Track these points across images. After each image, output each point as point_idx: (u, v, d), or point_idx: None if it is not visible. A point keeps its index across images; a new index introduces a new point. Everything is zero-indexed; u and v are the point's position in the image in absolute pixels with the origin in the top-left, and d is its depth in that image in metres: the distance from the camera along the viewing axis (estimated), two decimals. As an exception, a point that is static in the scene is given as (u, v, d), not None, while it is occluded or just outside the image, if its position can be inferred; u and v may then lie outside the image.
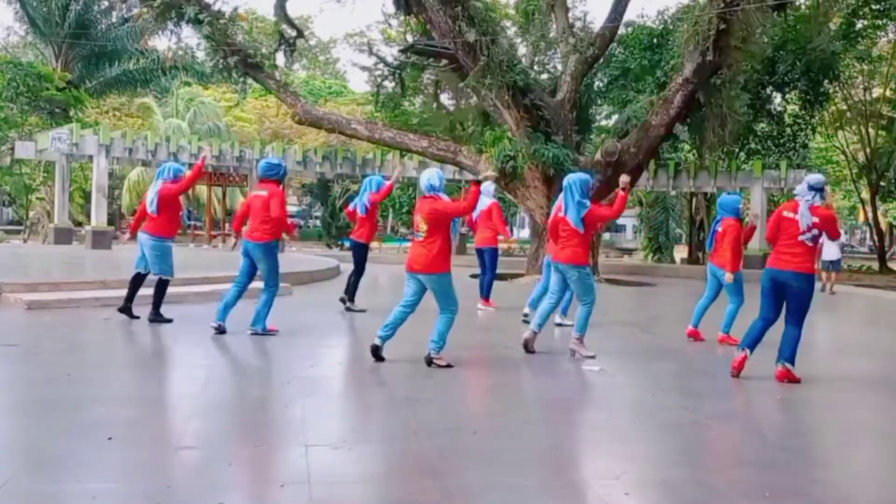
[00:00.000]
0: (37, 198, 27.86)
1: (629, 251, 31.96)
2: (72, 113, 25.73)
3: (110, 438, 3.84)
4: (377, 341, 6.04)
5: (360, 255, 9.30)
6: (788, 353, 5.76)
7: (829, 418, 5.18)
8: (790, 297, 5.80)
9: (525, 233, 39.29)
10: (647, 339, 8.24)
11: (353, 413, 4.91)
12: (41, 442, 3.81)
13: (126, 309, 7.74)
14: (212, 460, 3.66)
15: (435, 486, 3.40)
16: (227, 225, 35.76)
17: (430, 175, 6.07)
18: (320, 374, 5.81)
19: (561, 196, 6.99)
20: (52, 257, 15.14)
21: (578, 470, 3.77)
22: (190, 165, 23.00)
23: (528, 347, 6.73)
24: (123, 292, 9.21)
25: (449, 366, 5.83)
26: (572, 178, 6.73)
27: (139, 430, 4.14)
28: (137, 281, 7.77)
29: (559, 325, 8.51)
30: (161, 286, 7.63)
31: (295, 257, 17.23)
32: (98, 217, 20.59)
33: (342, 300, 9.27)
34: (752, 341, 5.99)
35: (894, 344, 9.17)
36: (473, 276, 11.49)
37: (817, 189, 5.81)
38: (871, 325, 11.45)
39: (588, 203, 6.59)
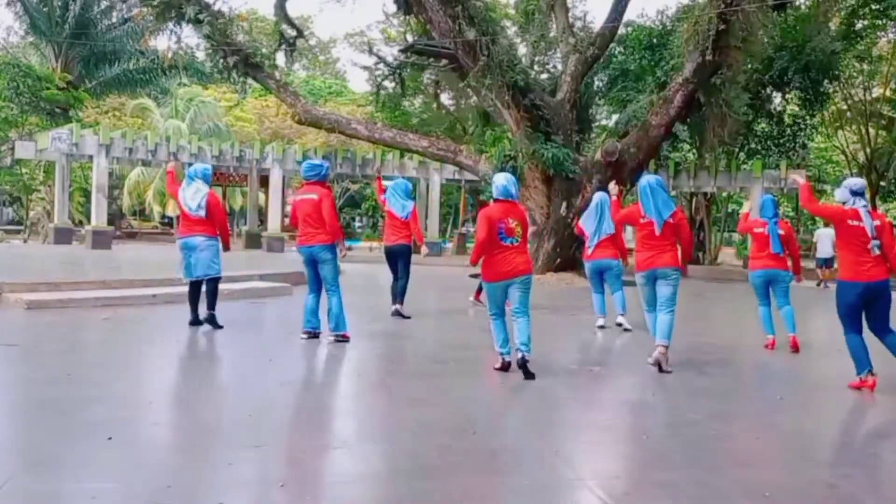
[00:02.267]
0: (37, 198, 27.88)
1: (629, 251, 31.94)
2: (71, 113, 25.74)
3: (110, 438, 3.84)
4: (519, 356, 5.76)
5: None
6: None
7: (828, 418, 5.18)
8: (882, 304, 5.66)
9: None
10: (647, 339, 8.23)
11: (354, 413, 4.91)
12: (41, 442, 3.81)
13: (196, 320, 7.52)
14: (212, 460, 3.66)
15: (435, 486, 3.40)
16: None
17: (508, 181, 5.85)
18: (320, 374, 5.81)
19: (592, 206, 6.90)
20: (52, 257, 15.14)
21: (578, 470, 3.77)
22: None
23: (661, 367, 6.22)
24: (123, 292, 9.25)
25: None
26: (653, 181, 6.39)
27: (139, 430, 4.14)
28: (197, 290, 7.60)
29: (621, 326, 8.43)
30: (216, 285, 7.61)
31: (294, 257, 17.23)
32: (98, 217, 20.62)
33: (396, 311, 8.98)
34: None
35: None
36: (473, 275, 11.49)
37: (859, 193, 5.65)
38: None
39: (673, 205, 6.39)
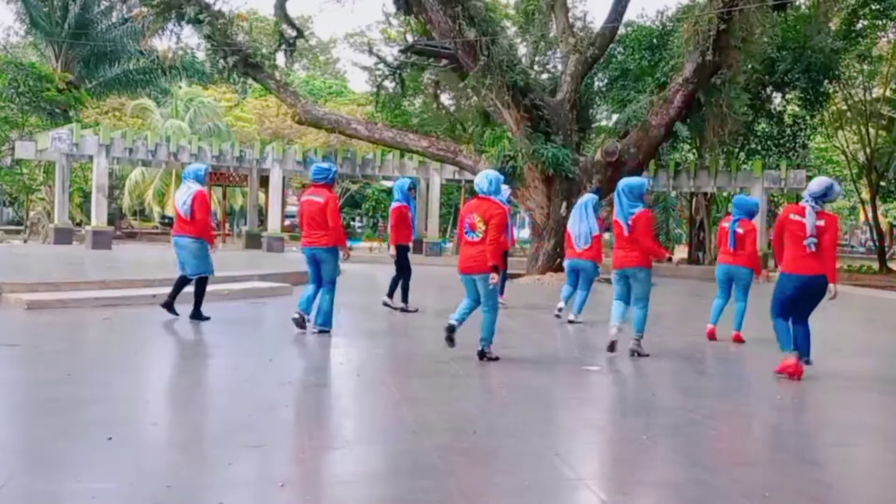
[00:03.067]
0: (37, 198, 27.87)
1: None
2: (71, 113, 25.73)
3: (110, 438, 3.84)
4: (452, 322, 6.17)
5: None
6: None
7: (829, 418, 5.18)
8: (810, 299, 5.92)
9: (525, 233, 39.26)
10: (647, 338, 8.24)
11: (354, 413, 4.91)
12: (41, 442, 3.81)
13: (169, 305, 7.86)
14: (212, 460, 3.66)
15: (435, 486, 3.40)
16: (227, 225, 35.80)
17: (481, 177, 6.12)
18: (320, 374, 5.81)
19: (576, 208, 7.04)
20: (52, 257, 15.14)
21: (578, 470, 3.77)
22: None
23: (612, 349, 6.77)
24: (123, 292, 9.28)
25: (496, 358, 6.18)
26: (623, 185, 6.73)
27: (139, 430, 4.14)
28: (182, 282, 7.90)
29: (572, 322, 8.71)
30: (203, 284, 7.91)
31: (294, 257, 17.22)
32: (98, 217, 20.60)
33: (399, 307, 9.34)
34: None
35: (893, 343, 9.16)
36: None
37: (816, 196, 5.75)
38: (871, 325, 11.45)
39: (638, 206, 6.62)
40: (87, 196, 27.60)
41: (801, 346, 5.97)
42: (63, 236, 21.04)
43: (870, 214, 26.30)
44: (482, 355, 6.19)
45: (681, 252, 28.42)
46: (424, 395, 5.16)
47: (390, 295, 9.40)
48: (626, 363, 6.64)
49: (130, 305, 8.78)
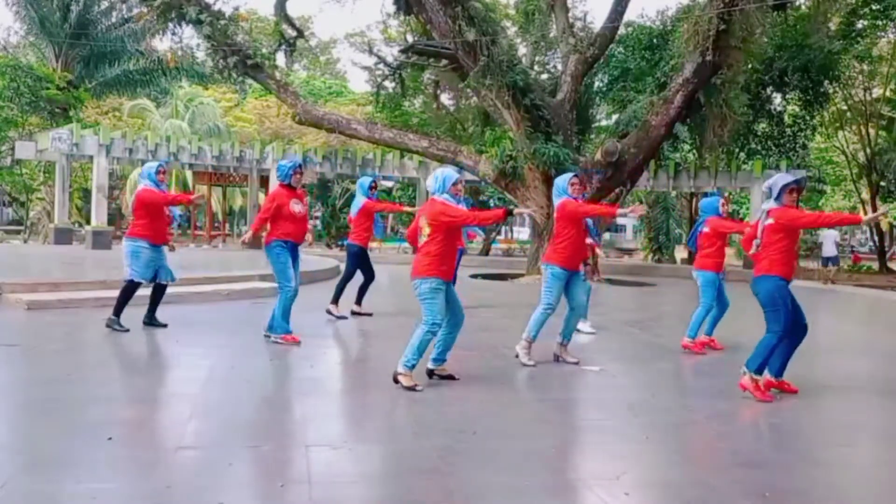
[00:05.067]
0: (37, 198, 27.88)
1: (629, 251, 31.98)
2: (72, 113, 25.73)
3: (110, 438, 3.84)
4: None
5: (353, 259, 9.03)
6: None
7: (829, 418, 5.18)
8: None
9: (525, 233, 39.28)
10: (647, 339, 8.24)
11: (353, 413, 4.91)
12: (41, 442, 3.81)
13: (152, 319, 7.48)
14: (212, 460, 3.66)
15: (435, 486, 3.40)
16: (227, 225, 35.80)
17: (430, 177, 5.64)
18: (320, 374, 5.81)
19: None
20: (52, 257, 15.14)
21: (578, 470, 3.77)
22: (191, 165, 23.21)
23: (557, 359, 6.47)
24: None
25: (413, 388, 5.21)
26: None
27: (139, 430, 4.14)
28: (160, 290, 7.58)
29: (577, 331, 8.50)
30: (125, 290, 7.41)
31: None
32: (98, 217, 20.60)
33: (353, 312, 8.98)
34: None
35: (894, 344, 9.16)
36: (473, 276, 11.47)
37: (765, 192, 5.45)
38: (871, 325, 11.45)
39: (560, 198, 6.46)
40: (85, 197, 27.59)
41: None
42: (63, 236, 21.04)
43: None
44: (396, 379, 5.27)
45: (681, 252, 28.45)
46: (424, 396, 5.15)
47: (358, 302, 9.00)
48: (626, 364, 6.64)
49: (130, 305, 8.75)
